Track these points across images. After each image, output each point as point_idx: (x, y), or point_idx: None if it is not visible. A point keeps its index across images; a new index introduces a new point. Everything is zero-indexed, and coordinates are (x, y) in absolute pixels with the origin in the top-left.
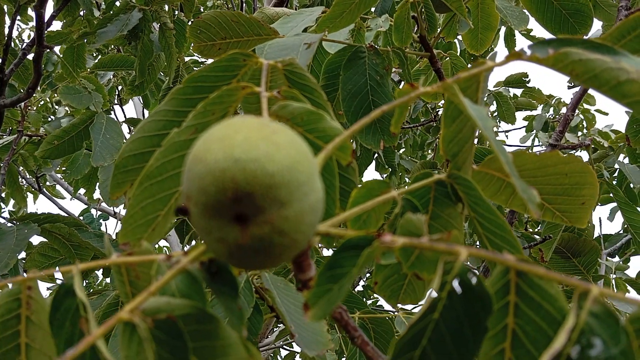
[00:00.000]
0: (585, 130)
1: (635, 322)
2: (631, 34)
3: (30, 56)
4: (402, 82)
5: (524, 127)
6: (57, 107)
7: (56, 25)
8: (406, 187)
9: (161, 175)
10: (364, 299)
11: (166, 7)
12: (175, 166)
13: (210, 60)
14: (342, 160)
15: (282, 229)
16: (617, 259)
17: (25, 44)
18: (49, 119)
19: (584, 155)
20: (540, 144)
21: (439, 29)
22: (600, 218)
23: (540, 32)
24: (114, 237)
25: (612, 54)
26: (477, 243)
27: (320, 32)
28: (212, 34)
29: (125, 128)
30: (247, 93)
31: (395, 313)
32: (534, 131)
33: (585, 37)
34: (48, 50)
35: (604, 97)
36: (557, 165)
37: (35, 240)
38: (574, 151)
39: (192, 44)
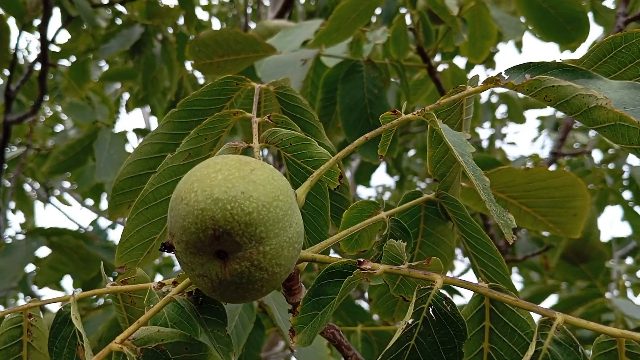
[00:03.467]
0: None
1: (601, 347)
2: (607, 56)
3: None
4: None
5: (536, 127)
6: (65, 117)
7: (63, 36)
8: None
9: (156, 200)
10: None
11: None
12: (169, 191)
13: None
14: (331, 185)
15: (260, 263)
16: (630, 260)
17: (32, 60)
18: (59, 129)
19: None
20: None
21: (436, 40)
22: (611, 221)
23: None
24: None
25: (587, 78)
26: None
27: (317, 47)
28: (210, 52)
29: (133, 137)
30: (239, 118)
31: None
32: (546, 131)
33: (583, 42)
34: (53, 67)
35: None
36: (547, 179)
37: (46, 252)
38: (575, 157)
39: (191, 62)
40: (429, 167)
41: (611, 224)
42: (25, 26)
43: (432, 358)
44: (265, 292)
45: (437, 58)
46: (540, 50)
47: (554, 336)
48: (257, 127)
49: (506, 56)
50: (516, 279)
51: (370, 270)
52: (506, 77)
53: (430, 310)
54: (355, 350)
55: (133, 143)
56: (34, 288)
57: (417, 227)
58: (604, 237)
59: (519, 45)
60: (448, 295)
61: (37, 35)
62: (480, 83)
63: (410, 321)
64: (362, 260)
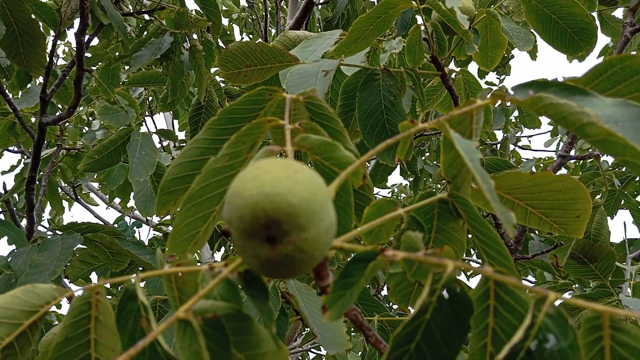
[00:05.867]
0: None
1: (589, 322)
2: (603, 76)
3: (69, 76)
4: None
5: (549, 131)
6: (91, 119)
7: (94, 43)
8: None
9: (201, 197)
10: (390, 304)
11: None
12: (212, 189)
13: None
14: (355, 184)
15: (302, 248)
16: None
17: (65, 67)
18: (84, 131)
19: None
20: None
21: (449, 50)
22: (625, 222)
23: None
24: (146, 243)
25: (583, 95)
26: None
27: (338, 58)
28: (238, 62)
29: (155, 138)
30: (272, 125)
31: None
32: (559, 135)
33: (590, 52)
34: (88, 72)
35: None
36: (551, 183)
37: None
38: (584, 161)
39: (220, 72)
40: (442, 169)
41: (625, 225)
42: (59, 34)
43: (445, 329)
44: (304, 271)
45: (452, 65)
46: (553, 56)
47: (547, 311)
48: (289, 134)
49: (521, 62)
50: (531, 281)
51: (391, 256)
52: (512, 93)
53: (443, 290)
54: (375, 331)
55: (157, 145)
56: (66, 281)
57: (431, 224)
58: (618, 239)
59: (532, 52)
60: (458, 278)
61: (65, 40)
62: (488, 96)
63: (426, 298)
64: (384, 248)
